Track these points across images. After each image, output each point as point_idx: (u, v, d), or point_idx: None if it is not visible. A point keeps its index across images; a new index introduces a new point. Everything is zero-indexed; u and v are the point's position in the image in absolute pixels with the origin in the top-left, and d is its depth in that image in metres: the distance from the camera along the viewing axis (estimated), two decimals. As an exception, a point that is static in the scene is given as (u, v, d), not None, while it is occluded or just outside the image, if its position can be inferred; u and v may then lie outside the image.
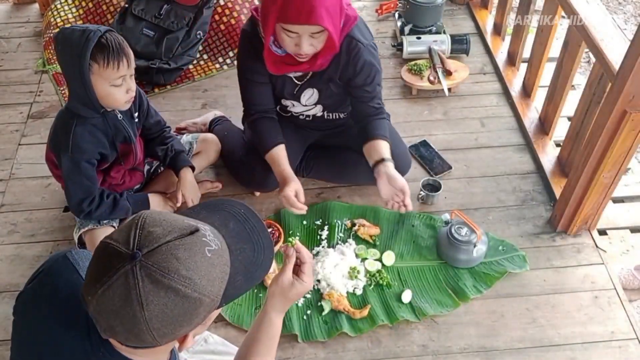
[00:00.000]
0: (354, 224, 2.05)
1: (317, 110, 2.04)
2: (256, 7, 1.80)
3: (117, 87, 1.66)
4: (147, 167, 2.11)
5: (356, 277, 1.90)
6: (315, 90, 1.96)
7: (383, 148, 1.91)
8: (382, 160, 1.88)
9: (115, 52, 1.60)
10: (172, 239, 0.89)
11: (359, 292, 1.90)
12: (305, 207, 1.91)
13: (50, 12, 2.91)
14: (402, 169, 1.99)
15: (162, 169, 2.14)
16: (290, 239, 1.28)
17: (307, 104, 2.00)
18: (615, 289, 1.93)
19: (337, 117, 2.08)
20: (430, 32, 2.80)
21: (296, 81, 1.93)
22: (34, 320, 1.07)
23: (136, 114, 1.88)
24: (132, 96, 1.72)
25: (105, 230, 1.84)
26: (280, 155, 1.95)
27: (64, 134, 1.74)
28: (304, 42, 1.66)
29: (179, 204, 1.97)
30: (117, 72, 1.63)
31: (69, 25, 1.67)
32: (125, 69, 1.64)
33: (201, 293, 0.89)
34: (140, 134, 1.96)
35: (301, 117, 2.08)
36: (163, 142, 2.01)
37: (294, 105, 2.02)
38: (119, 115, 1.80)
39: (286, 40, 1.68)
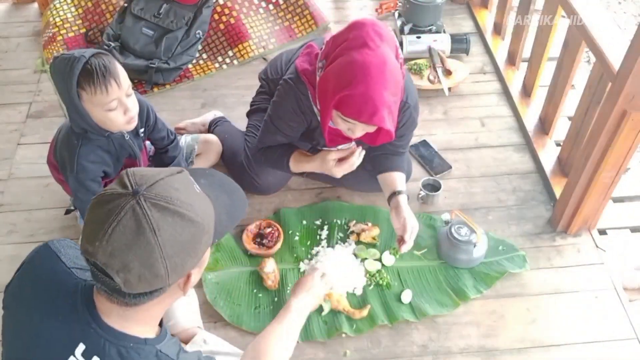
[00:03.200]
0: (352, 232, 2.04)
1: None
2: (305, 70, 1.73)
3: (112, 110, 1.60)
4: None
5: (376, 276, 1.92)
6: (353, 142, 1.93)
7: (398, 180, 1.93)
8: (395, 193, 1.89)
9: (101, 76, 1.53)
10: (165, 176, 0.97)
11: (358, 292, 1.90)
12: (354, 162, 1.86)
13: (49, 12, 2.90)
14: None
15: None
16: None
17: (340, 148, 1.97)
18: (615, 289, 1.93)
19: None
20: (430, 32, 2.80)
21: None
22: (20, 312, 1.08)
23: (142, 130, 1.83)
24: (132, 116, 1.66)
25: None
26: (300, 157, 1.93)
27: (68, 154, 1.71)
28: (358, 130, 1.64)
29: None
30: (108, 96, 1.56)
31: (58, 53, 1.59)
32: (116, 91, 1.57)
33: (202, 218, 0.97)
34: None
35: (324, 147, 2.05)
36: (169, 158, 2.00)
37: (329, 149, 1.97)
38: (126, 135, 1.75)
39: (340, 124, 1.64)
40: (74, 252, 1.13)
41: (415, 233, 1.82)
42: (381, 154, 1.97)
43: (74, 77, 1.52)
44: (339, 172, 1.86)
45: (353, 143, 1.87)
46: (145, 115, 1.83)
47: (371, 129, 1.65)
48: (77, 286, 1.05)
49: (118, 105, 1.61)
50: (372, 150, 2.00)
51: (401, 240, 1.81)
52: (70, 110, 1.62)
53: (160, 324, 1.11)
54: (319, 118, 1.78)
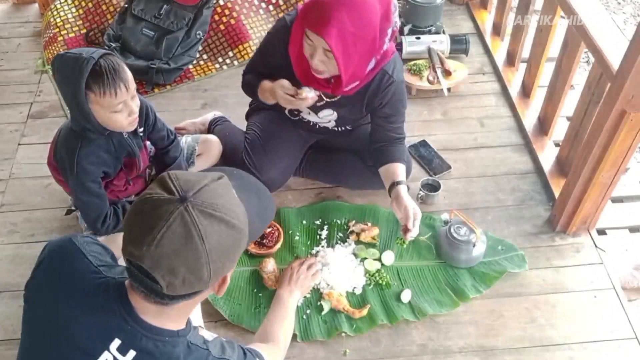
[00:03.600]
0: (352, 232, 2.05)
1: (329, 124, 2.05)
2: (289, 14, 1.80)
3: (118, 112, 1.60)
4: (148, 170, 2.10)
5: (376, 275, 1.93)
6: (335, 112, 1.97)
7: (398, 170, 1.94)
8: (396, 183, 1.91)
9: (111, 79, 1.53)
10: (209, 182, 0.99)
11: (358, 291, 1.90)
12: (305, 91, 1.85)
13: (49, 12, 2.91)
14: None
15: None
16: None
17: (322, 118, 2.01)
18: (614, 288, 1.93)
19: (344, 129, 2.09)
20: (429, 32, 2.81)
21: (321, 97, 1.91)
22: (46, 307, 1.08)
23: (141, 129, 1.83)
24: (134, 118, 1.67)
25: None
26: (264, 82, 1.93)
27: (68, 156, 1.71)
28: (316, 55, 1.66)
29: None
30: (116, 99, 1.56)
31: (62, 52, 1.55)
32: (124, 95, 1.57)
33: (243, 224, 1.01)
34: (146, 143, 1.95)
35: (310, 123, 2.08)
36: (170, 159, 2.00)
37: (309, 113, 2.02)
38: (125, 133, 1.76)
39: (305, 46, 1.68)
40: (97, 249, 1.14)
41: (418, 219, 1.83)
42: (380, 146, 1.98)
43: (83, 78, 1.51)
44: (283, 101, 1.85)
45: (318, 92, 1.85)
46: (145, 115, 1.83)
47: (331, 65, 1.66)
48: (108, 284, 1.06)
49: (124, 108, 1.61)
50: (371, 143, 2.01)
51: (406, 229, 1.83)
52: (73, 110, 1.62)
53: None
54: None
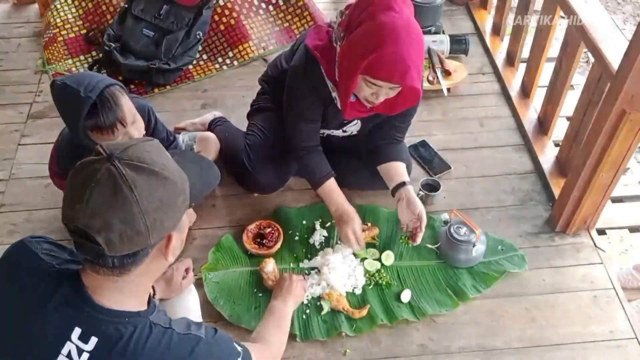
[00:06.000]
0: None
1: (349, 133, 2.04)
2: (316, 46, 1.74)
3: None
4: None
5: (375, 275, 1.93)
6: (359, 122, 1.95)
7: (402, 171, 1.94)
8: (403, 183, 1.90)
9: (108, 121, 1.55)
10: (137, 142, 1.02)
11: (358, 291, 1.90)
12: (363, 245, 1.91)
13: (49, 13, 2.91)
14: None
15: None
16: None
17: (347, 131, 2.00)
18: (614, 288, 1.93)
19: (353, 134, 2.07)
20: (429, 33, 2.81)
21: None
22: (5, 307, 1.08)
23: (143, 134, 1.83)
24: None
25: None
26: (334, 188, 1.94)
27: (72, 164, 1.72)
28: (383, 94, 1.64)
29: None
30: (114, 136, 1.58)
31: (59, 78, 1.58)
32: (122, 131, 1.59)
33: (176, 177, 1.02)
34: None
35: (327, 137, 2.06)
36: None
37: (332, 132, 2.00)
38: None
39: (364, 89, 1.65)
40: (49, 246, 1.14)
41: (424, 222, 1.86)
42: (381, 144, 1.98)
43: (81, 118, 1.53)
44: (344, 239, 1.89)
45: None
46: (147, 119, 1.83)
47: (393, 92, 1.66)
48: (61, 275, 1.07)
49: (125, 137, 1.62)
50: (371, 140, 2.01)
51: (417, 232, 1.84)
52: (74, 136, 1.64)
53: (149, 301, 1.13)
54: (333, 94, 1.79)
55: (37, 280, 1.07)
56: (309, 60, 1.77)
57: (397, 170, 1.94)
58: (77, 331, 1.02)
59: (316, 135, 1.96)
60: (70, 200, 0.97)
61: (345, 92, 1.66)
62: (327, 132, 2.02)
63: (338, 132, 2.01)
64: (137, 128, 1.67)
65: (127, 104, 1.61)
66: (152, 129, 1.88)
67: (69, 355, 1.01)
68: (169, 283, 1.61)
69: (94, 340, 1.02)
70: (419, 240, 1.87)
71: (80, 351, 1.01)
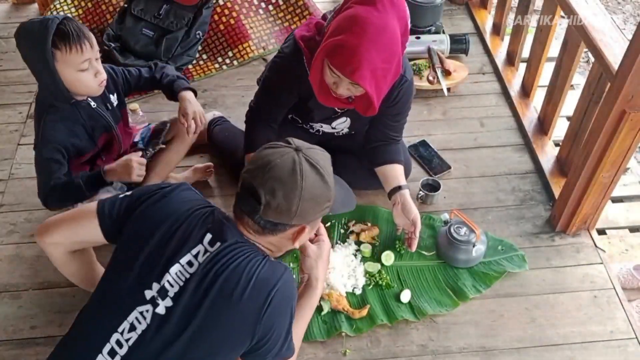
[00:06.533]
0: (352, 231, 2.05)
1: (342, 132, 2.04)
2: (302, 36, 1.75)
3: (84, 71, 1.65)
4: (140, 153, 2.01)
5: (376, 275, 1.93)
6: (349, 119, 1.95)
7: (398, 173, 1.94)
8: (399, 187, 1.90)
9: (76, 36, 1.60)
10: (318, 149, 1.30)
11: (358, 292, 1.90)
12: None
13: (49, 12, 2.91)
14: (405, 173, 2.01)
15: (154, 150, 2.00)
16: None
17: (336, 127, 2.00)
18: (614, 288, 1.93)
19: (347, 133, 2.08)
20: (429, 32, 2.81)
21: (337, 110, 1.91)
22: (146, 224, 1.32)
23: (114, 96, 1.84)
24: (102, 79, 1.71)
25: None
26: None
27: (36, 124, 1.75)
28: (342, 86, 1.63)
29: (188, 123, 1.93)
30: (82, 55, 1.62)
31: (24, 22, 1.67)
32: (89, 52, 1.64)
33: (332, 187, 1.29)
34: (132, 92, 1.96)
35: (313, 130, 2.06)
36: (167, 79, 1.97)
37: (321, 126, 2.00)
38: (92, 103, 1.78)
39: (327, 74, 1.64)
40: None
41: (419, 227, 1.86)
42: (378, 145, 1.98)
43: (49, 35, 1.58)
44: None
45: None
46: (113, 80, 1.85)
47: (356, 91, 1.64)
48: (214, 208, 1.35)
49: (90, 67, 1.66)
50: (367, 142, 2.01)
51: (412, 238, 1.85)
52: (40, 74, 1.66)
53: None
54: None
55: (192, 210, 1.32)
56: (293, 50, 1.78)
57: (393, 173, 1.94)
58: (208, 236, 1.27)
59: (279, 116, 1.96)
60: (256, 165, 1.24)
61: (314, 70, 1.64)
62: (316, 126, 2.02)
63: (328, 128, 2.01)
64: (101, 66, 1.70)
65: (91, 34, 1.67)
66: (126, 83, 1.90)
67: (196, 255, 1.26)
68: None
69: (217, 245, 1.26)
70: (414, 247, 1.88)
71: (205, 251, 1.27)
